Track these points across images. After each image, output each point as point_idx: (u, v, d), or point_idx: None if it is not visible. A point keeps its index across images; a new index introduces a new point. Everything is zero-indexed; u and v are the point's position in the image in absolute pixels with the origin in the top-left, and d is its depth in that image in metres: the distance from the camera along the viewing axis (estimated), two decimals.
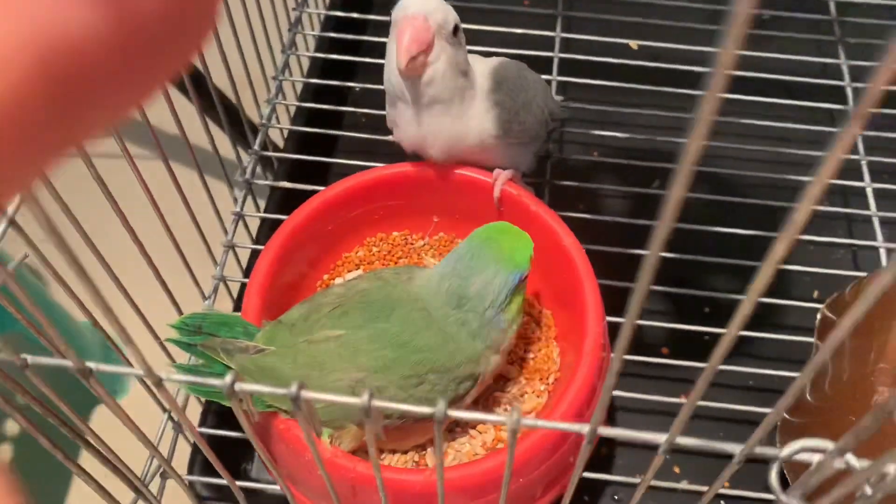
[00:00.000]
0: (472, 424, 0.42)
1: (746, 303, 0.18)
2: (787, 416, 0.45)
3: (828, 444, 0.24)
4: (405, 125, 0.46)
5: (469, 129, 0.46)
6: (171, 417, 0.46)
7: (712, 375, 0.21)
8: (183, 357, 0.44)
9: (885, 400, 0.37)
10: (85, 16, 0.11)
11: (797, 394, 0.21)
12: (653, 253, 0.17)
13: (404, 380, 0.38)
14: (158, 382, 0.25)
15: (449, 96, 0.44)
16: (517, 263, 0.40)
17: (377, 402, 0.24)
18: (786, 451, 0.24)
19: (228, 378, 0.24)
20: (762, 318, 0.56)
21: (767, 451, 0.24)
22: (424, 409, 0.24)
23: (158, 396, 0.33)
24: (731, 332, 0.19)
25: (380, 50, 0.65)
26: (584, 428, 0.24)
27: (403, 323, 0.39)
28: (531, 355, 0.46)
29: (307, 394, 0.24)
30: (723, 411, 0.51)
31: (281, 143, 0.66)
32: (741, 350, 0.55)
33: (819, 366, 0.19)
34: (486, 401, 0.44)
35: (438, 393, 0.38)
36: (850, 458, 0.22)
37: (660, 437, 0.24)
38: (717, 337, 0.55)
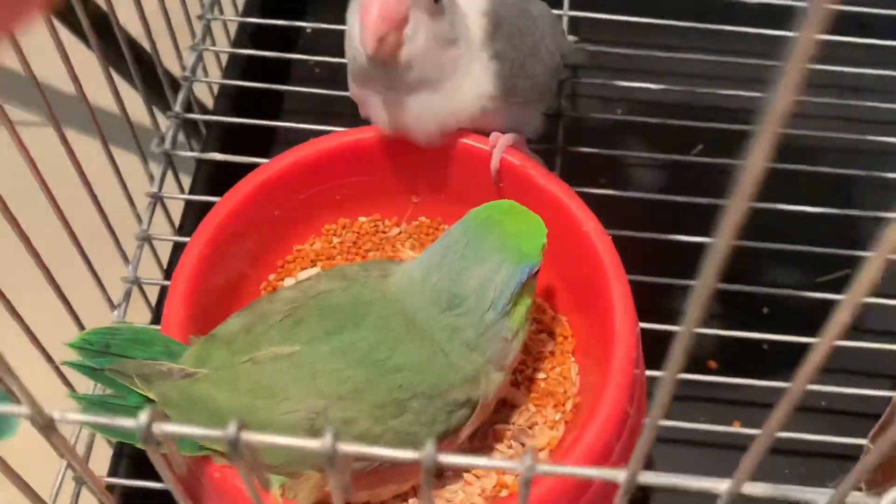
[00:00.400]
0: (465, 468, 0.41)
1: (847, 304, 0.17)
2: (871, 447, 0.44)
3: None
4: (379, 112, 0.46)
5: (465, 101, 0.45)
6: (71, 466, 0.45)
7: (798, 399, 0.20)
8: (87, 384, 0.43)
9: None
10: None
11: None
12: (721, 243, 0.16)
13: (379, 409, 0.37)
14: (49, 424, 0.24)
15: (436, 76, 0.44)
16: (525, 254, 0.39)
17: (344, 447, 0.23)
18: (886, 499, 0.24)
19: (144, 416, 0.23)
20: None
21: (863, 500, 0.24)
22: (407, 454, 0.23)
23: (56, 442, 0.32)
24: (823, 344, 0.18)
25: None
26: (620, 475, 0.23)
27: (378, 332, 0.38)
28: (542, 375, 0.45)
29: (250, 436, 0.23)
30: (788, 442, 0.51)
31: (210, 103, 0.65)
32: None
33: None
34: (484, 434, 0.43)
35: (424, 425, 0.38)
36: None
37: (719, 485, 0.24)
38: (778, 346, 0.55)
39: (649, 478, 0.23)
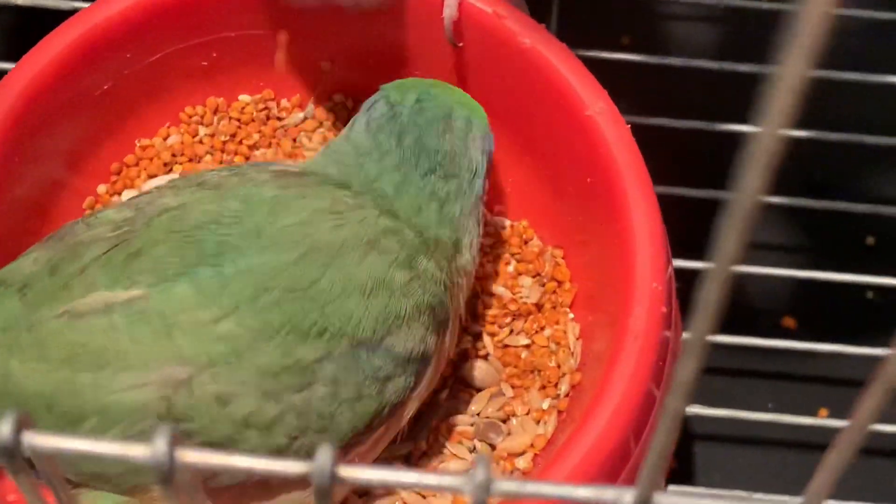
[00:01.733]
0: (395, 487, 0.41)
1: None
2: None
3: None
4: None
5: None
6: None
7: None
8: None
9: None
10: None
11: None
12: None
13: (273, 378, 0.37)
14: None
15: None
16: (484, 119, 0.42)
17: (188, 455, 0.22)
18: None
19: None
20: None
21: None
22: (289, 467, 0.22)
23: None
24: None
25: None
26: (627, 495, 0.23)
27: (306, 237, 0.38)
28: (523, 340, 0.45)
29: (36, 439, 0.22)
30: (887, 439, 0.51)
31: None
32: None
33: None
34: (435, 429, 0.43)
35: (345, 404, 0.37)
36: None
37: None
38: (891, 296, 0.55)
39: (671, 501, 0.23)
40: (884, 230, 0.56)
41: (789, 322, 0.55)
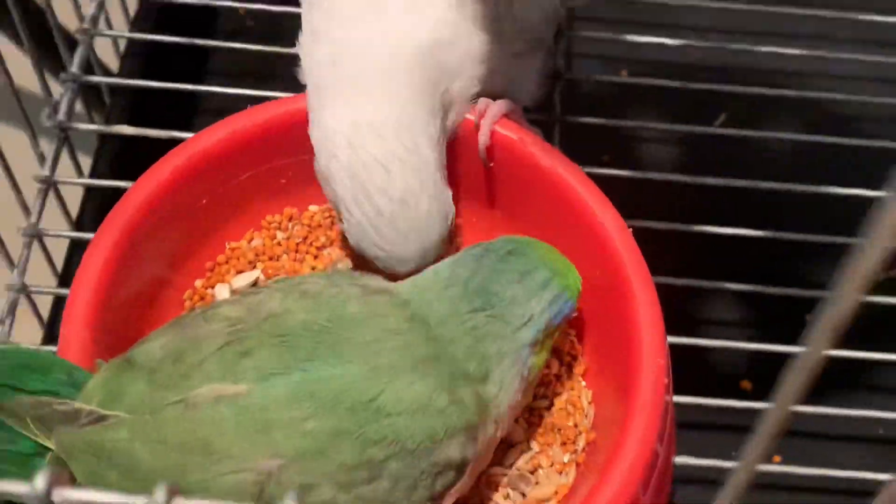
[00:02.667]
0: None
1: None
2: None
3: None
4: None
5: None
6: None
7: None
8: None
9: None
10: None
11: None
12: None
13: (348, 472, 0.35)
14: None
15: None
16: (569, 287, 0.40)
17: None
18: None
19: (41, 481, 0.21)
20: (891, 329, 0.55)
21: None
22: None
23: None
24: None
25: None
26: None
27: (365, 362, 0.37)
28: (545, 404, 0.44)
29: (66, 493, 0.21)
30: (839, 482, 0.49)
31: (116, 64, 0.64)
32: (864, 381, 0.54)
33: None
34: (475, 481, 0.41)
35: (402, 493, 0.36)
36: None
37: None
38: (830, 363, 0.54)
39: None
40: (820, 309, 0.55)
41: (746, 384, 0.55)
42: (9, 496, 0.22)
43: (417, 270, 0.41)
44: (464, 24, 0.44)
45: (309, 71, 0.44)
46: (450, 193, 0.43)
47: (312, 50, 0.44)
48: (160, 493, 0.21)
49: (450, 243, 0.44)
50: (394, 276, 0.42)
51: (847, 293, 0.15)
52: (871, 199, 0.54)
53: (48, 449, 0.35)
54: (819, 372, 0.17)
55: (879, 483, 0.48)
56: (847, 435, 0.52)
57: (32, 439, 0.36)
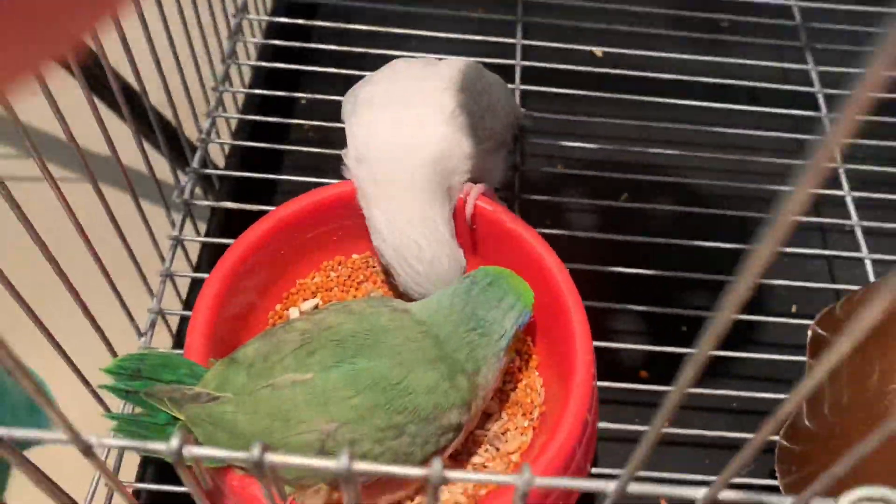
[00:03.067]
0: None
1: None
2: (786, 444, 0.42)
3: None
4: None
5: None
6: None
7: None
8: (117, 403, 0.40)
9: None
10: None
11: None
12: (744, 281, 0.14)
13: (381, 432, 0.34)
14: (87, 450, 0.21)
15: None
16: (528, 303, 0.39)
17: (358, 465, 0.20)
18: (843, 500, 0.21)
19: (175, 441, 0.20)
20: (741, 335, 0.54)
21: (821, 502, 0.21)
22: (418, 471, 0.20)
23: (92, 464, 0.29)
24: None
25: (326, 59, 0.63)
26: (610, 486, 0.21)
27: (399, 354, 0.36)
28: (511, 387, 0.43)
29: (272, 457, 0.20)
30: (708, 439, 0.49)
31: (222, 161, 0.63)
32: (724, 371, 0.53)
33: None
34: (464, 440, 0.41)
35: (418, 446, 0.35)
36: None
37: (696, 492, 0.21)
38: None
39: (637, 487, 0.21)
40: (691, 323, 0.55)
41: (643, 373, 0.54)
42: (153, 453, 0.21)
43: None
44: (455, 134, 0.43)
45: (358, 184, 0.43)
46: (461, 252, 0.42)
47: (358, 171, 0.43)
48: (255, 450, 0.20)
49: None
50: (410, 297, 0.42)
51: (726, 314, 0.15)
52: (728, 250, 0.54)
53: (177, 420, 0.35)
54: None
55: (735, 440, 0.48)
56: (713, 407, 0.52)
57: (167, 413, 0.35)
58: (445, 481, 0.20)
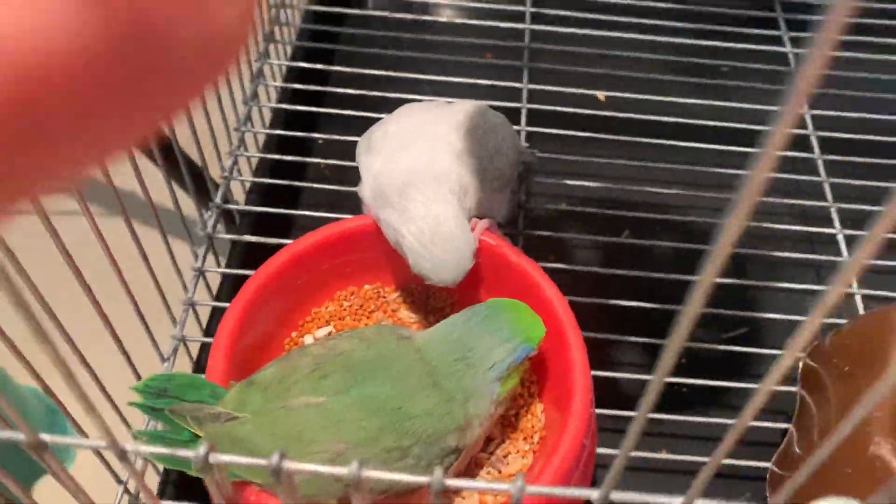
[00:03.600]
0: (455, 490, 0.40)
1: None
2: (776, 470, 0.44)
3: None
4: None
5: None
6: (127, 490, 0.43)
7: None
8: (138, 422, 0.42)
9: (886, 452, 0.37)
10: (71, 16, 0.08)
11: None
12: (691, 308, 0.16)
13: (388, 453, 0.36)
14: (122, 455, 0.23)
15: None
16: (529, 338, 0.39)
17: (368, 472, 0.22)
18: None
19: (202, 449, 0.22)
20: (737, 367, 0.55)
21: None
22: (420, 479, 0.22)
23: (125, 469, 0.31)
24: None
25: (342, 101, 0.65)
26: (594, 494, 0.23)
27: (397, 384, 0.37)
28: (513, 412, 0.44)
29: (290, 464, 0.22)
30: (701, 466, 0.49)
31: (243, 198, 0.65)
32: (719, 401, 0.54)
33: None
34: (468, 463, 0.42)
35: (422, 468, 0.36)
36: None
37: (674, 501, 0.23)
38: (695, 389, 0.55)
39: (619, 496, 0.23)
40: (690, 356, 0.56)
41: None
42: (182, 460, 0.23)
43: (455, 283, 0.42)
44: (464, 171, 0.44)
45: (374, 212, 0.45)
46: (473, 236, 0.43)
47: (373, 193, 0.45)
48: (275, 457, 0.22)
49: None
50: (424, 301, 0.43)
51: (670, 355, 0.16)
52: (724, 285, 0.55)
53: (198, 437, 0.36)
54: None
55: (729, 466, 0.48)
56: (706, 436, 0.52)
57: (190, 431, 0.37)
58: (445, 487, 0.22)
